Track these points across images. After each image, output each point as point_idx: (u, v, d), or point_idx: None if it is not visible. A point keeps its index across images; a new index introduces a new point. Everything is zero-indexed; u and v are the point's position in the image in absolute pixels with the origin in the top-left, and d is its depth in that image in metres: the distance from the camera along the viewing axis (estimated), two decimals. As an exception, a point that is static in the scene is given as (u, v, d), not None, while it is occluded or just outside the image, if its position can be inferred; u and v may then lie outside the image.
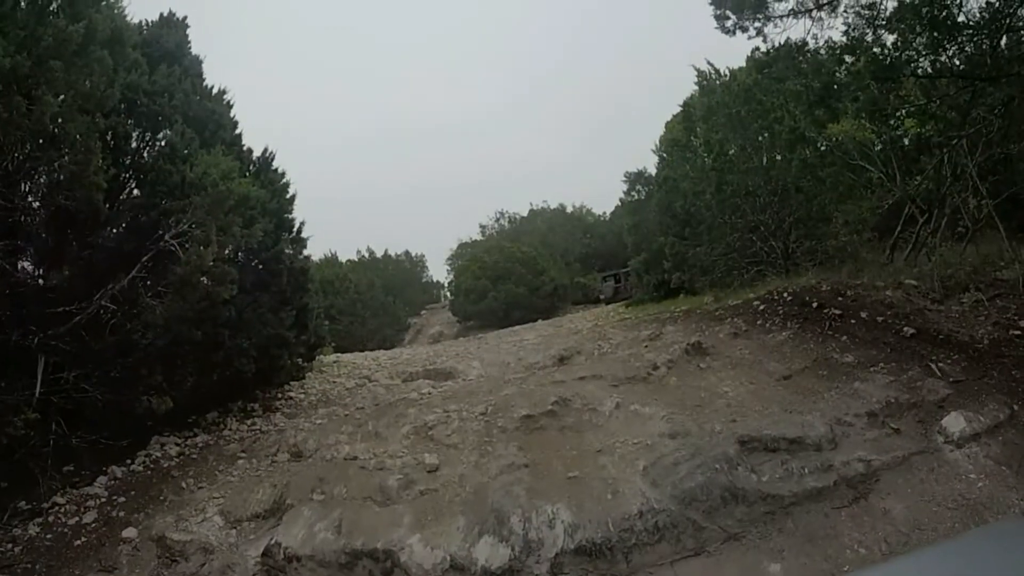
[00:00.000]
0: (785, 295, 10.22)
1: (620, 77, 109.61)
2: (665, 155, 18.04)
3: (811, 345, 8.48)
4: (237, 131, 9.13)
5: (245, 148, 9.36)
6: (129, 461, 6.77)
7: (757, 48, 8.64)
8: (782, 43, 8.31)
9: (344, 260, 32.95)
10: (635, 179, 22.30)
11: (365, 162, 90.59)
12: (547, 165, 78.58)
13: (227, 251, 6.00)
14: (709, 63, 16.65)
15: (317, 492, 5.54)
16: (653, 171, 21.21)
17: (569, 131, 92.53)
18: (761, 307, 10.19)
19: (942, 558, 2.15)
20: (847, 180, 12.41)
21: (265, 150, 9.71)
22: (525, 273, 28.95)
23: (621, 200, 25.88)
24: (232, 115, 9.21)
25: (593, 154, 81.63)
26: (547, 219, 41.81)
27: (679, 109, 19.30)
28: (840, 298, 9.65)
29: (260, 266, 8.09)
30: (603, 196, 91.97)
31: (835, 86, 7.68)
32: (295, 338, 8.79)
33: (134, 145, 7.29)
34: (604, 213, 40.86)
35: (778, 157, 13.50)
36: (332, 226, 58.77)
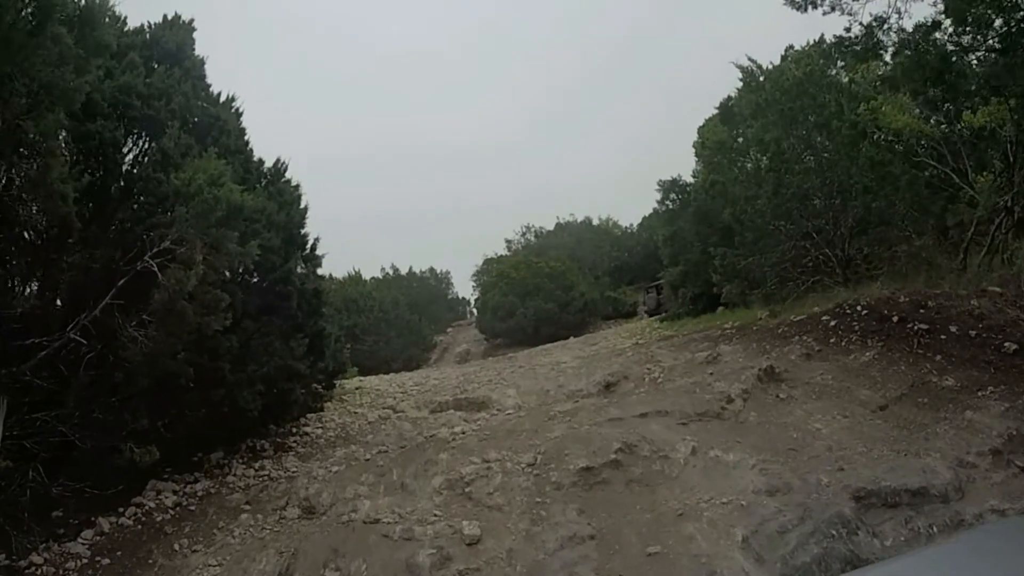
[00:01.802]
0: (858, 308, 9.35)
1: (628, 85, 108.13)
2: (705, 159, 16.87)
3: (902, 367, 7.63)
4: (245, 139, 8.28)
5: (256, 159, 8.54)
6: (121, 510, 6.09)
7: (846, 32, 7.51)
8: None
9: (368, 278, 32.16)
10: (669, 187, 20.96)
11: (388, 182, 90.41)
12: (574, 182, 77.56)
13: (225, 272, 5.03)
14: (751, 59, 15.54)
15: (331, 567, 4.58)
16: (687, 178, 20.14)
17: (597, 146, 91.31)
18: (832, 323, 9.33)
19: (943, 558, 2.18)
20: (921, 179, 11.18)
21: (277, 161, 8.88)
22: (554, 288, 27.81)
23: (655, 209, 24.52)
24: (241, 124, 8.40)
25: (617, 166, 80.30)
26: (574, 232, 40.66)
27: (714, 111, 18.32)
28: (922, 310, 8.83)
29: (268, 287, 7.12)
30: (626, 208, 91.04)
31: (956, 59, 6.55)
32: (310, 367, 7.82)
33: (128, 153, 6.49)
34: (631, 225, 39.89)
35: (825, 155, 12.39)
36: (355, 246, 58.56)
